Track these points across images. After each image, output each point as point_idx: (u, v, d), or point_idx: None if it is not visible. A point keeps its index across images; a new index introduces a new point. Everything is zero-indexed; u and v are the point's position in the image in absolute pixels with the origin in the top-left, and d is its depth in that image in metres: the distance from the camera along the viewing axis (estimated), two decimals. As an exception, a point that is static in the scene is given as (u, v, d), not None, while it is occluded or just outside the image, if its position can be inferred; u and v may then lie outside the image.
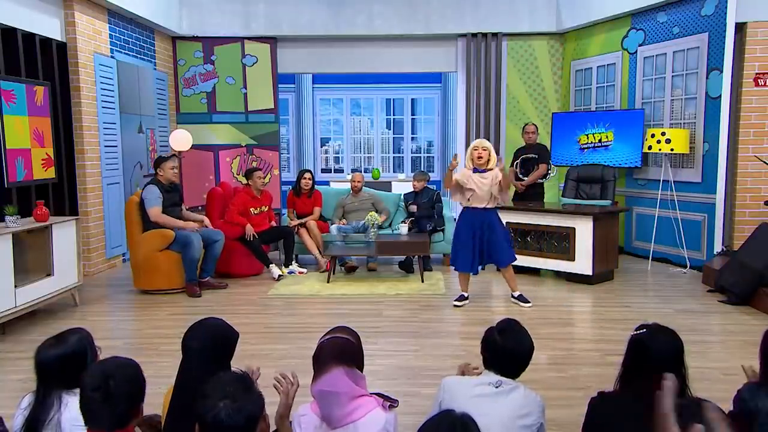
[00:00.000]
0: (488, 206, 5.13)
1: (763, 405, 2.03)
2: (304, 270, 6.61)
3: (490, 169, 5.12)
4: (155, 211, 5.66)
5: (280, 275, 6.32)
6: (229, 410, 1.58)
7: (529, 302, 5.28)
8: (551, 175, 7.49)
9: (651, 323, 2.17)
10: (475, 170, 5.10)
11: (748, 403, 2.05)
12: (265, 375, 2.44)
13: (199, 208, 7.94)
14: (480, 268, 5.33)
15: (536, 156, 7.08)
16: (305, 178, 7.07)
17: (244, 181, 7.05)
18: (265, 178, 6.69)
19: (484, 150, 5.15)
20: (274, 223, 6.75)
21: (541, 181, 7.19)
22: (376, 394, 2.15)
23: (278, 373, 2.24)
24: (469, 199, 5.16)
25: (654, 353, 2.05)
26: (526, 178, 7.12)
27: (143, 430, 2.31)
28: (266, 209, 6.73)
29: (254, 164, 8.92)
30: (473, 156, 5.12)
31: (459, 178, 5.16)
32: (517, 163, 7.33)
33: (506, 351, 2.25)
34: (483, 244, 5.15)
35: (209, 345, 2.19)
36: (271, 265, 6.38)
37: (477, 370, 2.54)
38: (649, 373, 2.05)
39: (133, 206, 5.81)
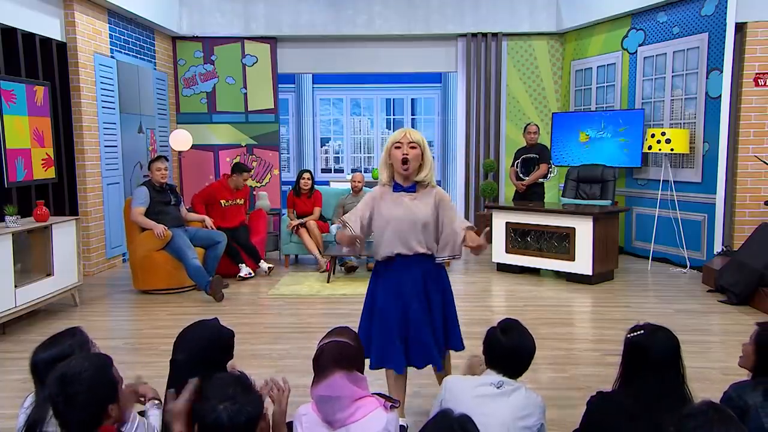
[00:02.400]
0: (424, 251, 2.81)
1: (753, 401, 2.06)
2: (248, 270, 6.41)
3: (426, 185, 2.83)
4: (135, 212, 5.69)
5: (250, 272, 6.33)
6: (230, 412, 1.59)
7: None
8: (552, 175, 7.50)
9: (644, 323, 2.19)
10: (396, 187, 2.82)
11: (736, 401, 2.09)
12: (265, 375, 2.44)
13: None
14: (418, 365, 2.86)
15: (537, 156, 7.12)
16: (304, 178, 7.07)
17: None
18: (247, 180, 6.57)
19: (413, 147, 2.73)
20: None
21: (541, 181, 7.21)
22: (377, 394, 2.15)
23: (269, 380, 2.23)
24: (378, 243, 2.86)
25: (654, 353, 2.06)
26: (526, 178, 7.15)
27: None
28: (241, 202, 6.62)
29: (254, 164, 8.92)
30: (394, 157, 2.76)
31: (361, 215, 2.86)
32: (517, 163, 7.36)
33: (510, 351, 2.24)
34: (411, 322, 2.80)
35: (197, 355, 2.16)
36: (240, 265, 6.36)
37: (482, 366, 2.42)
38: (649, 373, 2.06)
39: (130, 207, 5.82)
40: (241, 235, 6.47)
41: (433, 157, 2.91)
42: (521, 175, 7.26)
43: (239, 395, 1.63)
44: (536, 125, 7.31)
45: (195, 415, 1.63)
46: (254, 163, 8.96)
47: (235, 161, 6.98)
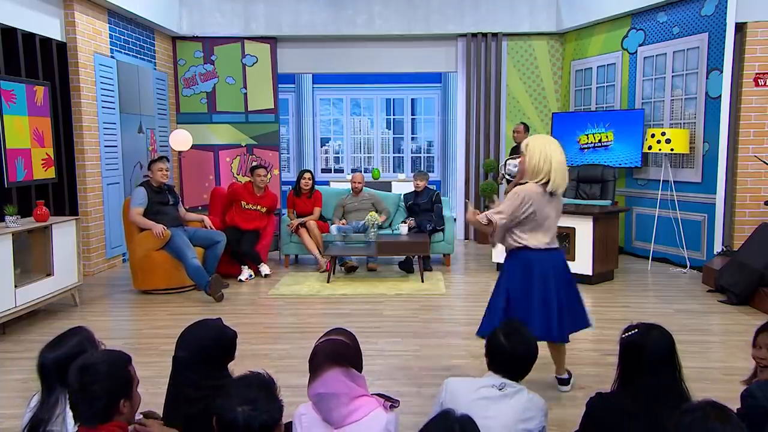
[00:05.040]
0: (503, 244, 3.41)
1: None
2: (248, 273, 6.45)
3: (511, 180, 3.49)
4: (133, 212, 5.69)
5: (251, 275, 6.38)
6: (247, 415, 1.60)
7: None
8: None
9: (637, 323, 2.19)
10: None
11: (760, 400, 1.99)
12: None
13: (199, 207, 7.95)
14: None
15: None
16: (305, 179, 7.07)
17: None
18: (266, 177, 6.67)
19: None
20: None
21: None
22: (376, 394, 2.15)
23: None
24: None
25: (650, 352, 2.07)
26: (513, 179, 7.25)
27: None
28: (263, 210, 6.66)
29: (254, 163, 8.92)
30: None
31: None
32: (503, 164, 7.44)
33: (514, 356, 2.24)
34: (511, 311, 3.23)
35: (198, 353, 2.19)
36: (243, 267, 6.39)
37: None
38: (646, 372, 2.06)
39: (128, 208, 5.82)
40: (248, 240, 6.46)
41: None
42: (506, 176, 7.38)
43: (261, 400, 1.64)
44: (522, 124, 7.43)
45: (215, 408, 1.65)
46: (254, 163, 8.95)
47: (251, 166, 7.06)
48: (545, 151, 3.10)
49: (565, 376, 3.44)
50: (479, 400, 2.15)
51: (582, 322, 3.31)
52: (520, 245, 3.19)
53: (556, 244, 3.27)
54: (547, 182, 3.11)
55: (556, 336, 3.15)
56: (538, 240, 3.18)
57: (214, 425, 1.65)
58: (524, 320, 2.88)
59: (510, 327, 2.32)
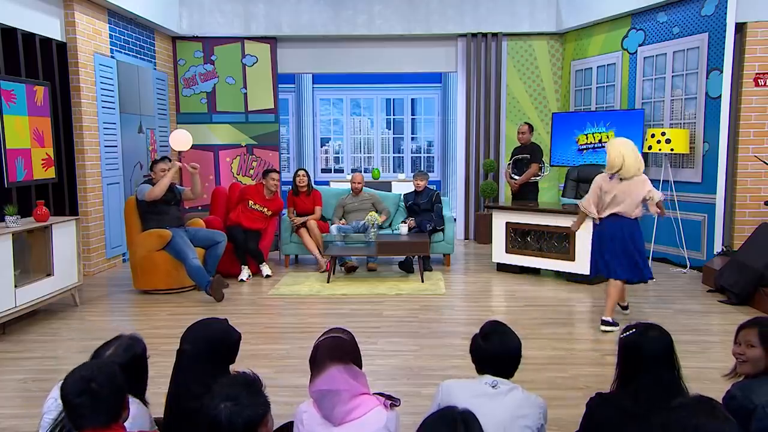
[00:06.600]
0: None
1: (759, 400, 1.99)
2: (248, 273, 6.48)
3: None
4: (148, 193, 5.65)
5: (249, 275, 6.40)
6: (230, 412, 1.59)
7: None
8: (543, 174, 7.52)
9: (636, 322, 2.19)
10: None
11: (741, 400, 2.03)
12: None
13: (199, 208, 7.96)
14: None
15: (528, 156, 7.20)
16: (299, 176, 7.07)
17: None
18: (278, 181, 6.75)
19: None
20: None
21: (534, 180, 7.27)
22: (378, 394, 2.15)
23: None
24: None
25: (647, 351, 2.07)
26: (518, 177, 7.25)
27: None
28: (269, 213, 6.70)
29: (254, 164, 8.95)
30: None
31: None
32: (509, 164, 7.44)
33: (494, 355, 2.26)
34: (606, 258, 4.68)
35: (204, 348, 2.21)
36: (243, 267, 6.41)
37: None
38: (644, 371, 2.06)
39: (131, 206, 5.83)
40: (253, 239, 6.51)
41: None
42: (513, 175, 7.35)
43: (243, 397, 1.64)
44: (527, 124, 7.41)
45: (202, 409, 1.65)
46: (254, 163, 8.97)
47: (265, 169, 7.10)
48: (613, 151, 4.57)
49: (624, 303, 4.99)
50: (475, 399, 2.15)
51: (633, 275, 4.62)
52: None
53: (614, 211, 4.56)
54: (618, 170, 4.53)
55: (606, 274, 4.70)
56: (605, 211, 4.61)
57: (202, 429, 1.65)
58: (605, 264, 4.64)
59: (487, 328, 2.33)
